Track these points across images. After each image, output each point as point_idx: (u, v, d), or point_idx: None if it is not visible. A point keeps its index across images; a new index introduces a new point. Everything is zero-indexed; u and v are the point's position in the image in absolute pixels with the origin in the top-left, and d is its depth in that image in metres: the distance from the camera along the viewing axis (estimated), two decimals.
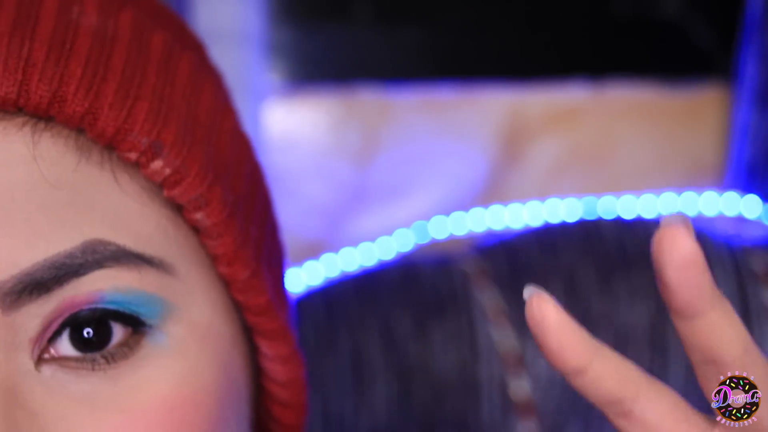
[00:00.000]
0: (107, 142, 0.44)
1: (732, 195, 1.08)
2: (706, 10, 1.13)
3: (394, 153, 1.10)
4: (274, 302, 0.49)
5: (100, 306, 0.43)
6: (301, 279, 1.00)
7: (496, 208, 1.06)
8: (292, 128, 1.09)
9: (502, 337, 0.87)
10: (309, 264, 1.02)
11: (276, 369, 0.51)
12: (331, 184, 1.10)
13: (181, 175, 0.45)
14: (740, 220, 1.08)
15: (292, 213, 1.10)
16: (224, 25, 1.03)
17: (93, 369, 0.43)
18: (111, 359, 0.44)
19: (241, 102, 1.05)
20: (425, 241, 1.06)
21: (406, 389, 0.86)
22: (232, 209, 0.47)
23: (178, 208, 0.46)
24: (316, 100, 1.09)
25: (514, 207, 1.06)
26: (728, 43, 1.12)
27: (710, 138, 1.14)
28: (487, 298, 0.88)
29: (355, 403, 0.85)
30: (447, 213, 1.08)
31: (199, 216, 0.46)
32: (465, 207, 1.08)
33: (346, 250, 1.03)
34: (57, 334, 0.44)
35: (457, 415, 0.86)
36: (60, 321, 0.43)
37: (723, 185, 1.12)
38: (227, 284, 0.48)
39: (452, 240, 1.06)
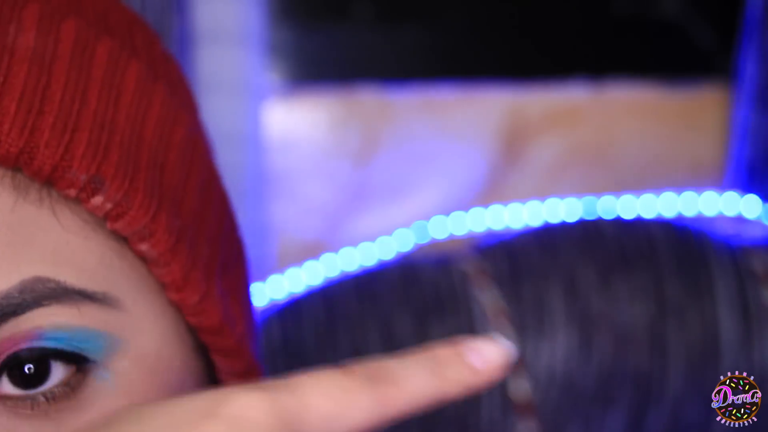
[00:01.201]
0: (44, 179, 0.42)
1: (732, 195, 1.08)
2: (706, 10, 1.13)
3: (394, 153, 1.10)
4: (226, 321, 0.48)
5: (38, 344, 0.42)
6: (301, 279, 1.00)
7: (496, 208, 1.06)
8: (292, 128, 1.09)
9: (502, 337, 0.87)
10: (309, 264, 1.01)
11: (235, 383, 0.50)
12: (331, 184, 1.10)
13: (123, 208, 0.43)
14: (740, 220, 1.08)
15: (292, 213, 1.10)
16: (224, 25, 1.03)
17: (32, 409, 0.42)
18: (52, 399, 0.42)
19: (241, 102, 1.05)
20: (425, 241, 1.06)
21: None
22: (179, 235, 0.45)
23: (123, 238, 0.44)
24: (316, 100, 1.09)
25: (514, 207, 1.06)
26: (728, 43, 1.12)
27: (710, 138, 1.14)
28: (487, 298, 0.88)
29: None
30: (447, 213, 1.08)
31: (144, 247, 0.44)
32: (465, 207, 1.08)
33: (346, 250, 1.03)
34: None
35: (457, 415, 0.86)
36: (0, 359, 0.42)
37: (723, 185, 1.12)
38: (178, 308, 0.46)
39: (452, 240, 1.06)
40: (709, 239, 0.92)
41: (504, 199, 1.08)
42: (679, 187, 1.09)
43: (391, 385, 0.35)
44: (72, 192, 0.42)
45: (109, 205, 0.43)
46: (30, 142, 0.41)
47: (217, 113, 1.01)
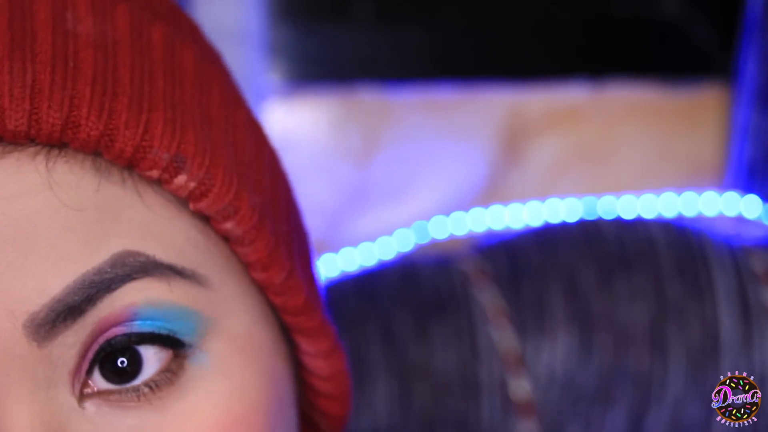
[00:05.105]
0: (126, 162, 0.42)
1: (732, 195, 1.08)
2: (706, 10, 1.13)
3: (394, 153, 1.10)
4: (310, 300, 0.48)
5: (134, 330, 0.42)
6: None
7: (496, 208, 1.06)
8: (292, 128, 1.09)
9: (502, 337, 0.87)
10: None
11: (318, 365, 0.50)
12: (331, 184, 1.10)
13: (206, 186, 0.43)
14: (740, 220, 1.08)
15: None
16: (224, 25, 1.03)
17: (139, 400, 0.42)
18: (156, 387, 0.42)
19: None
20: (425, 241, 1.06)
21: (406, 389, 0.86)
22: (261, 212, 0.45)
23: (205, 218, 0.44)
24: (316, 100, 1.09)
25: (514, 207, 1.06)
26: (728, 43, 1.12)
27: (710, 138, 1.14)
28: (487, 298, 0.88)
29: (355, 403, 0.85)
30: (447, 213, 1.08)
31: (228, 225, 0.44)
32: (465, 207, 1.08)
33: (346, 250, 1.03)
34: (92, 364, 0.42)
35: (457, 415, 0.86)
36: (95, 349, 0.42)
37: (723, 185, 1.12)
38: (262, 288, 0.46)
39: (452, 240, 1.06)
40: (709, 239, 0.92)
41: (504, 199, 1.08)
42: (679, 187, 1.09)
43: None
44: (155, 173, 0.42)
45: (192, 184, 0.42)
46: (109, 125, 0.41)
47: None
